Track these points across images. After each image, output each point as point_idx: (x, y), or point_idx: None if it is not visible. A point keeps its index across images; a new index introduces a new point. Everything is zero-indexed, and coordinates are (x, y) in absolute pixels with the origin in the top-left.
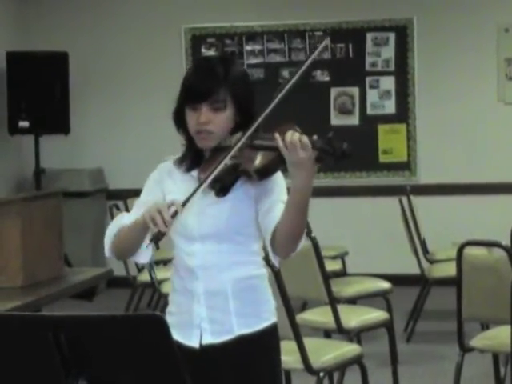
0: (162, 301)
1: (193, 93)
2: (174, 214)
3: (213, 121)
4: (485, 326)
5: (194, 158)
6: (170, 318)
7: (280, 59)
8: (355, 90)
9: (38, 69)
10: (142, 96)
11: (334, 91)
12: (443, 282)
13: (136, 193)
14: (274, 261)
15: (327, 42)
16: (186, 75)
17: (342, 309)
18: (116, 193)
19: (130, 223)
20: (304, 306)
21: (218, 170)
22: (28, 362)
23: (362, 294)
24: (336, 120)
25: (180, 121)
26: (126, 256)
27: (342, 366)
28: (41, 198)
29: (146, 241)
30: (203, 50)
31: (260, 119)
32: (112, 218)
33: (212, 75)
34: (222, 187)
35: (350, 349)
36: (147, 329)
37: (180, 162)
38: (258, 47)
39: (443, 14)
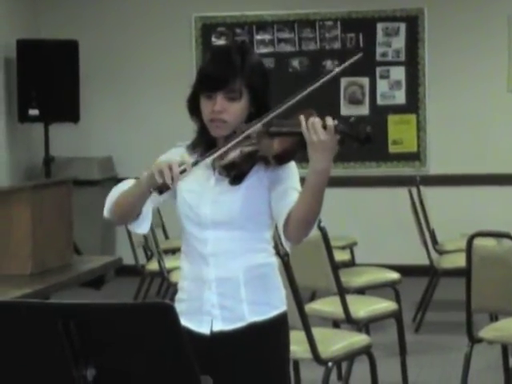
0: (170, 289)
1: (209, 81)
2: (183, 171)
3: (227, 110)
4: (494, 317)
5: (206, 146)
6: (179, 306)
7: (290, 49)
8: (365, 80)
9: (48, 57)
10: (151, 85)
11: (344, 81)
12: (452, 272)
13: None
14: (286, 246)
15: (360, 55)
16: (203, 63)
17: (351, 299)
18: None
19: (133, 182)
20: (313, 296)
21: (232, 143)
22: (37, 350)
23: (370, 285)
24: (346, 110)
25: (194, 108)
26: (124, 219)
27: (351, 356)
28: (51, 186)
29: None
30: (213, 39)
31: (281, 109)
32: None
33: (229, 64)
34: (237, 174)
35: (358, 339)
36: (157, 317)
37: (192, 148)
38: (268, 37)
39: (454, 5)
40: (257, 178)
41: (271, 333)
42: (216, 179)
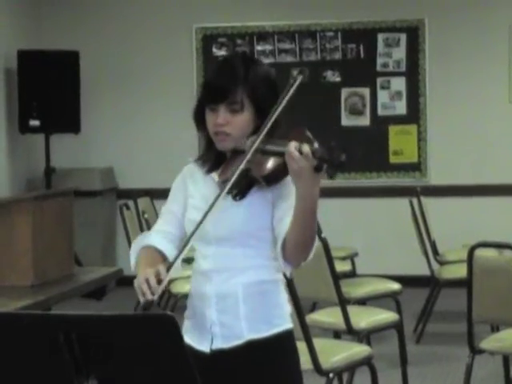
0: (171, 300)
1: (210, 92)
2: (160, 282)
3: (230, 122)
4: (495, 328)
5: (215, 159)
6: (186, 323)
7: (291, 59)
8: (366, 91)
9: (49, 68)
10: (152, 95)
11: (344, 92)
12: (453, 283)
13: (146, 192)
14: (285, 270)
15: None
16: (208, 74)
17: (352, 310)
18: (126, 192)
19: (138, 264)
20: (314, 307)
21: (232, 180)
22: (38, 361)
23: (371, 295)
24: (347, 121)
25: (200, 121)
26: None
27: (352, 367)
28: (52, 196)
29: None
30: (214, 50)
31: (268, 125)
32: (122, 217)
33: (230, 75)
34: (237, 192)
35: (359, 350)
36: (158, 328)
37: (202, 162)
38: (269, 47)
39: (455, 15)
40: (261, 193)
41: (271, 351)
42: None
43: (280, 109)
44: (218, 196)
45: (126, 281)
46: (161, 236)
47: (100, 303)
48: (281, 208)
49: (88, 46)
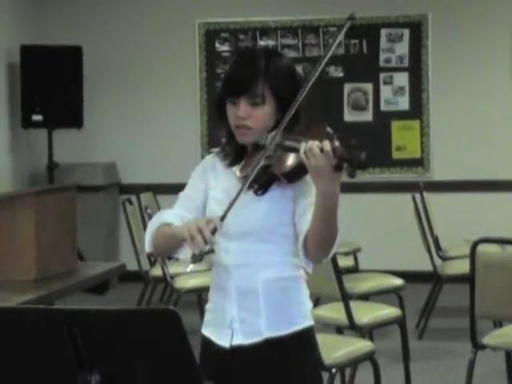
0: (174, 295)
1: (231, 85)
2: (214, 231)
3: (251, 116)
4: (497, 324)
5: (236, 153)
6: (207, 315)
7: (294, 55)
8: (369, 86)
9: (51, 63)
10: (155, 90)
11: (347, 87)
12: (456, 279)
13: (149, 187)
14: (306, 266)
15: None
16: (228, 66)
17: (355, 305)
18: (129, 187)
19: (169, 232)
20: (316, 302)
21: (252, 177)
22: (41, 355)
23: (374, 291)
24: (349, 116)
25: (221, 114)
26: (165, 255)
27: (354, 363)
28: (54, 191)
29: (187, 260)
30: (217, 45)
31: (287, 118)
32: (125, 212)
33: (251, 68)
34: (259, 187)
35: (362, 345)
36: (162, 323)
37: (223, 155)
38: (271, 42)
39: (458, 11)
40: (282, 189)
41: (290, 349)
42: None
43: (312, 82)
44: (240, 192)
45: (128, 276)
46: (175, 216)
47: (103, 298)
48: (302, 204)
49: (91, 41)
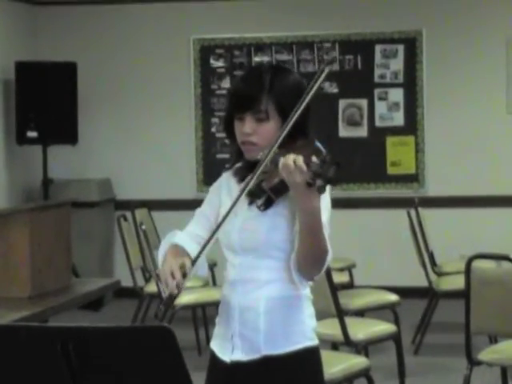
0: (169, 312)
1: (236, 101)
2: (184, 275)
3: (256, 132)
4: (493, 339)
5: (246, 169)
6: (215, 329)
7: None
8: (364, 102)
9: (46, 79)
10: (149, 106)
11: (342, 103)
12: (451, 294)
13: (143, 203)
14: (299, 283)
15: (329, 68)
16: (234, 82)
17: (350, 321)
18: (124, 203)
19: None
20: None
21: (245, 192)
22: (36, 373)
23: (369, 307)
24: (344, 132)
25: (229, 131)
26: None
27: (350, 379)
28: (49, 208)
29: (161, 305)
30: (212, 61)
31: (282, 135)
32: (120, 228)
33: (255, 84)
34: (262, 203)
35: (357, 361)
36: (156, 340)
37: (234, 171)
38: (266, 58)
39: (452, 27)
40: (284, 205)
41: (288, 368)
42: (248, 205)
43: (302, 107)
44: (234, 204)
45: (123, 292)
46: (189, 237)
47: (98, 314)
48: (298, 221)
49: (86, 58)
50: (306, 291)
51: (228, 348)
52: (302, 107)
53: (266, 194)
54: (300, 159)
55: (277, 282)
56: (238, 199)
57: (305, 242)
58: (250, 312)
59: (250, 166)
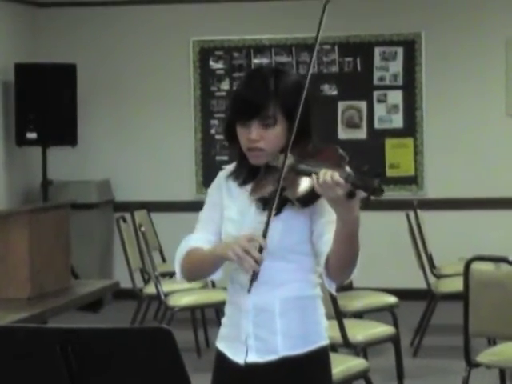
0: (168, 313)
1: (242, 109)
2: (261, 250)
3: (263, 137)
4: (491, 342)
5: (249, 173)
6: (222, 330)
7: None
8: (363, 104)
9: (46, 81)
10: (149, 108)
11: (341, 105)
12: (450, 296)
13: (143, 205)
14: (329, 287)
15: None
16: (237, 88)
17: (349, 323)
18: (123, 205)
19: (202, 256)
20: None
21: (275, 203)
22: (35, 374)
23: (368, 309)
24: (343, 134)
25: (231, 136)
26: (198, 279)
27: (348, 381)
28: (48, 209)
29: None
30: (211, 63)
31: (291, 138)
32: (119, 230)
33: (261, 90)
34: (269, 211)
35: (356, 363)
36: (155, 342)
37: (235, 175)
38: (266, 60)
39: (451, 29)
40: (296, 208)
41: (306, 368)
42: (256, 208)
43: (310, 73)
44: (267, 223)
45: (122, 293)
46: (201, 240)
47: (97, 315)
48: (319, 223)
49: (85, 59)
50: (318, 291)
51: (241, 350)
52: (310, 74)
53: (286, 201)
54: (336, 175)
55: (292, 283)
56: (269, 218)
57: (342, 250)
58: (265, 313)
59: (253, 170)
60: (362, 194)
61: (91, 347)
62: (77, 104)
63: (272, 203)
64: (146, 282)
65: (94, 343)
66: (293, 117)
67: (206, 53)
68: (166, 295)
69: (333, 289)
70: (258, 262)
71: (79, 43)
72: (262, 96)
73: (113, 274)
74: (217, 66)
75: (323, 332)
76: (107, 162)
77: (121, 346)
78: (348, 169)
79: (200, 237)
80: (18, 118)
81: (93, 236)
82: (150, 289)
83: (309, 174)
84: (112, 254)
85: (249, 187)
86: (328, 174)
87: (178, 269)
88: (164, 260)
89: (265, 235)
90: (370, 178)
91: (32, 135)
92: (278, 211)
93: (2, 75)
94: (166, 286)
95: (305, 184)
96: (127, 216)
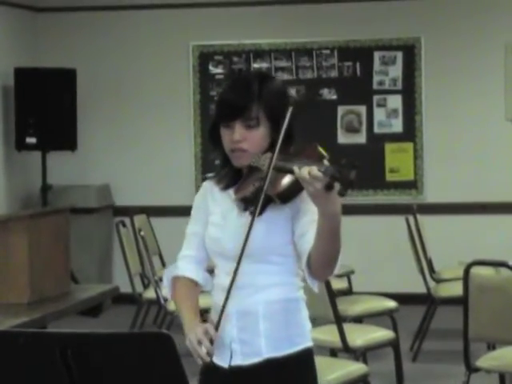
0: (167, 318)
1: (225, 109)
2: (211, 341)
3: (247, 138)
4: (491, 346)
5: (232, 177)
6: None
7: (287, 77)
8: (362, 109)
9: (45, 85)
10: (149, 113)
11: (341, 109)
12: (449, 301)
13: (142, 209)
14: (312, 285)
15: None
16: (221, 91)
17: (348, 327)
18: (123, 209)
19: (181, 309)
20: None
21: (259, 204)
22: (35, 379)
23: (368, 313)
24: (343, 138)
25: (215, 139)
26: None
27: None
28: (48, 214)
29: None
30: (211, 68)
31: (278, 143)
32: (119, 234)
33: (245, 92)
34: (254, 209)
35: (355, 368)
36: (155, 346)
37: (218, 179)
38: (265, 65)
39: (451, 33)
40: (278, 209)
41: (290, 370)
42: (238, 211)
43: (282, 135)
44: (251, 225)
45: (122, 298)
46: (187, 261)
47: (96, 320)
48: (301, 223)
49: (85, 64)
50: (302, 293)
51: (226, 354)
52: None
53: (267, 200)
54: (314, 169)
55: (275, 286)
56: (254, 215)
57: (324, 245)
58: (248, 317)
59: (235, 173)
60: (338, 186)
61: (91, 352)
62: (76, 109)
63: (257, 200)
64: (146, 286)
65: (94, 348)
66: (275, 119)
67: (205, 57)
68: (166, 300)
69: (315, 287)
70: (210, 354)
71: (79, 48)
72: (246, 97)
73: (112, 278)
74: (216, 70)
75: (307, 334)
76: (107, 167)
77: (121, 350)
78: (326, 162)
79: (185, 256)
80: (17, 123)
81: (92, 241)
82: (150, 293)
83: (288, 171)
84: (112, 258)
85: (231, 191)
86: (306, 169)
87: (165, 291)
88: (164, 264)
89: (217, 326)
90: (348, 170)
91: (32, 140)
92: (260, 212)
93: (2, 80)
94: (166, 291)
95: (285, 180)
96: (127, 220)
